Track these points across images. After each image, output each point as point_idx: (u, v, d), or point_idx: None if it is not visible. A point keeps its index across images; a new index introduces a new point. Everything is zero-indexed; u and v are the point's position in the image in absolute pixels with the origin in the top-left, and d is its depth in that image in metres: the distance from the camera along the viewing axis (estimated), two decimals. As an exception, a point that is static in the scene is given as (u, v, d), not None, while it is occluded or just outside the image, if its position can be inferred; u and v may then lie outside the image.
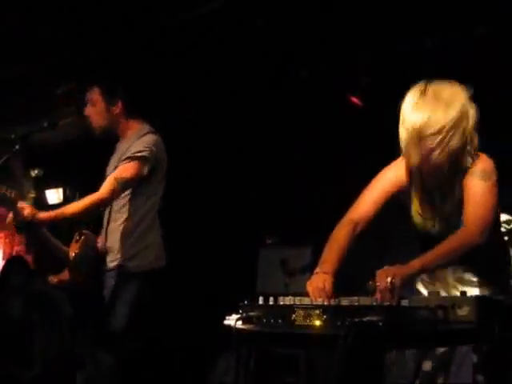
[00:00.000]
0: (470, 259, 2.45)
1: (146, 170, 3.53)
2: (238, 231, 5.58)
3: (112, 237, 3.61)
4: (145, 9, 4.58)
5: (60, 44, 4.83)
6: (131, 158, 3.50)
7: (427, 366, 2.59)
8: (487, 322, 2.00)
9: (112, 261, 3.59)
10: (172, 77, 5.23)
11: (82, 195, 4.42)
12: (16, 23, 4.61)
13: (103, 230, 3.69)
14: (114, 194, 3.48)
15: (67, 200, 3.84)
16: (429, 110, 2.39)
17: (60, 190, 5.80)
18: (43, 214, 3.35)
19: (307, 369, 4.28)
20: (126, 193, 3.58)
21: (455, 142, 2.40)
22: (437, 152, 2.40)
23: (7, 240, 5.05)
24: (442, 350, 2.59)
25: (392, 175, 2.64)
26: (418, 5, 4.37)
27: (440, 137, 2.38)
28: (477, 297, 2.06)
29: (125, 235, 3.57)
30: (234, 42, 4.89)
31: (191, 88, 5.28)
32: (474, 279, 2.62)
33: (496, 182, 2.49)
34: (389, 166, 2.68)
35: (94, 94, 3.66)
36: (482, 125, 2.51)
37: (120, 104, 3.66)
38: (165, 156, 3.67)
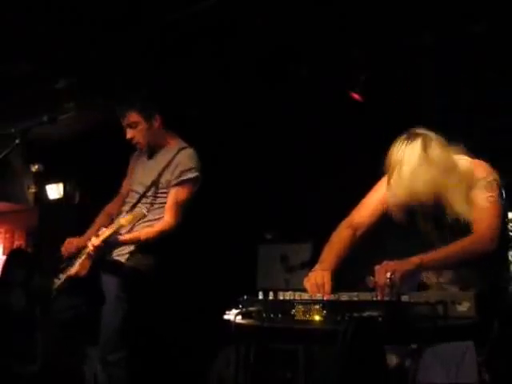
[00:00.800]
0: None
1: (196, 188, 3.73)
2: (238, 227, 5.58)
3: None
4: (143, 7, 4.58)
5: (60, 42, 4.83)
6: (186, 181, 3.67)
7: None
8: (487, 318, 2.00)
9: (121, 254, 3.66)
10: (171, 75, 5.23)
11: (83, 190, 4.46)
12: (17, 21, 4.62)
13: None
14: (179, 218, 3.66)
15: (67, 195, 3.84)
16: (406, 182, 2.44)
17: (60, 185, 5.81)
18: (123, 238, 3.57)
19: (306, 364, 4.28)
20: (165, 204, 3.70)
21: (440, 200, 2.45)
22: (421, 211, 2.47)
23: (7, 235, 5.07)
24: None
25: None
26: (416, 1, 4.36)
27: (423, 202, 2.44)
28: (477, 293, 2.05)
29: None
30: (233, 41, 4.89)
31: (191, 86, 5.28)
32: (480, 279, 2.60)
33: (498, 189, 2.50)
34: None
35: (133, 117, 3.73)
36: (482, 121, 2.51)
37: (158, 117, 3.77)
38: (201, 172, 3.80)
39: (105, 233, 3.50)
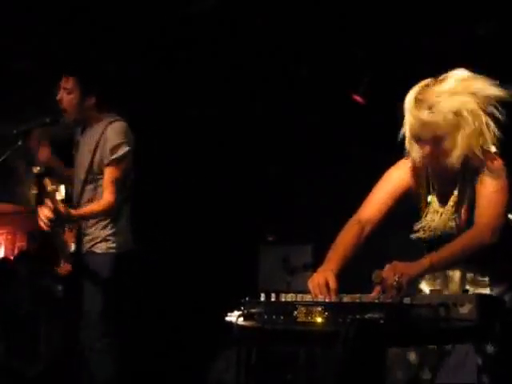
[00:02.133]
0: (481, 258, 2.44)
1: (130, 162, 3.70)
2: (239, 229, 5.58)
3: (91, 222, 3.71)
4: (142, 7, 4.58)
5: (60, 42, 4.84)
6: (118, 160, 3.64)
7: (412, 356, 2.57)
8: (489, 320, 2.00)
9: (88, 244, 3.69)
10: (171, 75, 5.24)
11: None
12: (17, 21, 4.63)
13: None
14: (117, 196, 3.63)
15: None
16: (427, 110, 2.36)
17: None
18: (75, 212, 3.53)
19: (307, 366, 4.28)
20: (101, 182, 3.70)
21: (454, 142, 2.38)
22: (436, 152, 2.40)
23: (9, 236, 5.06)
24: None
25: (398, 175, 2.62)
26: (419, 2, 4.37)
27: (438, 137, 2.38)
28: (478, 295, 2.06)
29: (103, 221, 3.69)
30: (233, 41, 4.89)
31: (192, 86, 5.29)
32: (485, 279, 2.58)
33: (506, 181, 2.47)
34: (395, 166, 2.65)
35: (71, 83, 3.73)
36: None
37: (94, 98, 3.74)
38: (133, 142, 3.78)
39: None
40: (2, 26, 4.56)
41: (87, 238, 3.68)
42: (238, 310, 2.20)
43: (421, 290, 2.64)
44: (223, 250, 5.53)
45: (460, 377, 2.48)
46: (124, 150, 3.65)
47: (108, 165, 3.64)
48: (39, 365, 4.19)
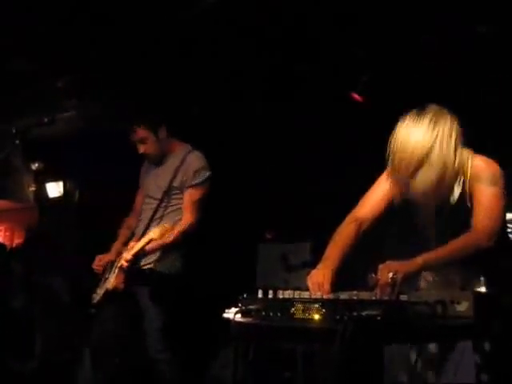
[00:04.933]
0: (477, 258, 2.45)
1: (209, 186, 3.92)
2: (238, 226, 5.58)
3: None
4: (143, 7, 4.58)
5: (60, 42, 4.85)
6: (200, 183, 3.85)
7: (413, 356, 2.59)
8: (486, 317, 2.01)
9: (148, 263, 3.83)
10: (172, 75, 5.24)
11: (83, 188, 4.45)
12: (17, 21, 4.63)
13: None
14: (198, 216, 3.85)
15: (67, 193, 3.90)
16: (408, 150, 2.44)
17: (60, 183, 5.82)
18: (151, 246, 3.71)
19: (305, 363, 4.28)
20: (178, 205, 3.87)
21: (433, 173, 2.44)
22: (417, 186, 2.46)
23: (7, 233, 5.06)
24: (432, 347, 2.58)
25: None
26: (419, 2, 4.37)
27: (417, 172, 2.44)
28: (475, 293, 2.06)
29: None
30: (233, 41, 4.89)
31: (191, 86, 5.29)
32: (480, 278, 2.60)
33: (503, 186, 2.50)
34: None
35: (141, 133, 3.90)
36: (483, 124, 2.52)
37: (164, 128, 3.93)
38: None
39: (135, 247, 3.68)
40: (2, 26, 4.57)
41: (151, 256, 3.81)
42: (236, 306, 2.20)
43: (421, 289, 2.65)
44: (222, 247, 5.53)
45: (458, 376, 2.49)
46: (206, 174, 3.86)
47: (190, 186, 3.82)
48: (34, 361, 4.20)
